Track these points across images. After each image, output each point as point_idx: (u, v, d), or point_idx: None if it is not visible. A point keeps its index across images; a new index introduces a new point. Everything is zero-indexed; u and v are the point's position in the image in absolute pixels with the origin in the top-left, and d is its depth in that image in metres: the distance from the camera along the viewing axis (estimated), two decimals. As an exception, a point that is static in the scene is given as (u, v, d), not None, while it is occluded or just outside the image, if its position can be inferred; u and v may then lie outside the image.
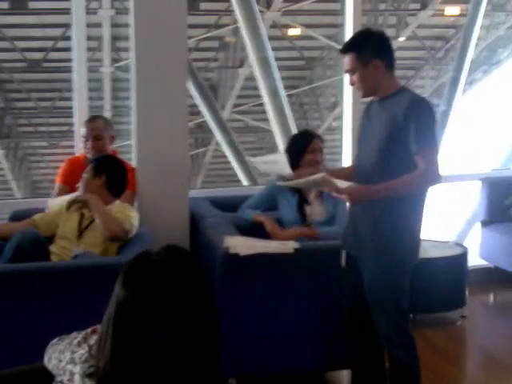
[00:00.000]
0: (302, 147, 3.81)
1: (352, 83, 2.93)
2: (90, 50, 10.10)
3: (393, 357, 2.90)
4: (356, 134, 3.08)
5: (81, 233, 3.48)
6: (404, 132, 2.74)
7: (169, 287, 1.51)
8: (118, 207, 3.55)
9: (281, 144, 10.40)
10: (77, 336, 1.68)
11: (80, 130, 4.32)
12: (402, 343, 2.88)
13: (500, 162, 10.17)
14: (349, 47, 2.91)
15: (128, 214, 3.49)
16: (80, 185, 3.60)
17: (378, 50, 2.87)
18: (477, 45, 13.83)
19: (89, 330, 1.68)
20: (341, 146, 5.11)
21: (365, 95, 2.94)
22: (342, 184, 2.78)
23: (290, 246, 3.31)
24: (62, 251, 3.44)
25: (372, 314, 2.89)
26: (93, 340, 1.62)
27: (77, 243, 3.44)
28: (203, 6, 13.41)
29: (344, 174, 3.04)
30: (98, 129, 4.17)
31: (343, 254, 3.02)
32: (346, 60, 2.89)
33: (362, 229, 2.88)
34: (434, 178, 2.76)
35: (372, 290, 2.86)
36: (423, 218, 2.88)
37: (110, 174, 3.57)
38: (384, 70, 2.85)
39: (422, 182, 2.78)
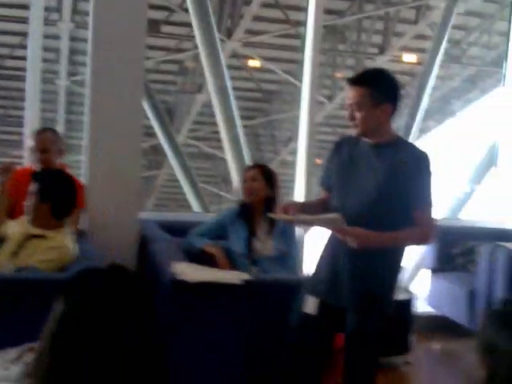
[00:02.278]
0: (242, 179, 4.04)
1: (352, 118, 2.73)
2: (46, 61, 9.96)
3: None
4: (324, 171, 2.94)
5: (17, 250, 3.34)
6: (405, 185, 2.68)
7: (111, 305, 1.44)
8: (54, 240, 3.35)
9: (234, 173, 10.38)
10: (10, 352, 1.63)
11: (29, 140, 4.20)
12: None
13: (449, 211, 10.29)
14: (365, 81, 2.72)
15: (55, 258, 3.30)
16: (27, 206, 3.41)
17: (392, 94, 2.76)
18: (431, 94, 14.10)
19: (25, 346, 1.62)
20: (293, 181, 5.10)
21: (362, 134, 2.75)
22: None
23: (238, 277, 3.28)
24: None
25: (346, 359, 2.84)
26: (29, 358, 1.56)
27: (10, 259, 3.30)
28: (165, 29, 13.41)
29: (312, 209, 2.83)
30: (46, 141, 4.06)
31: (311, 301, 2.85)
32: (354, 93, 2.70)
33: (347, 278, 2.75)
34: (432, 237, 2.78)
35: (352, 338, 2.81)
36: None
37: (56, 201, 3.38)
38: (389, 116, 2.75)
39: (422, 239, 2.81)
